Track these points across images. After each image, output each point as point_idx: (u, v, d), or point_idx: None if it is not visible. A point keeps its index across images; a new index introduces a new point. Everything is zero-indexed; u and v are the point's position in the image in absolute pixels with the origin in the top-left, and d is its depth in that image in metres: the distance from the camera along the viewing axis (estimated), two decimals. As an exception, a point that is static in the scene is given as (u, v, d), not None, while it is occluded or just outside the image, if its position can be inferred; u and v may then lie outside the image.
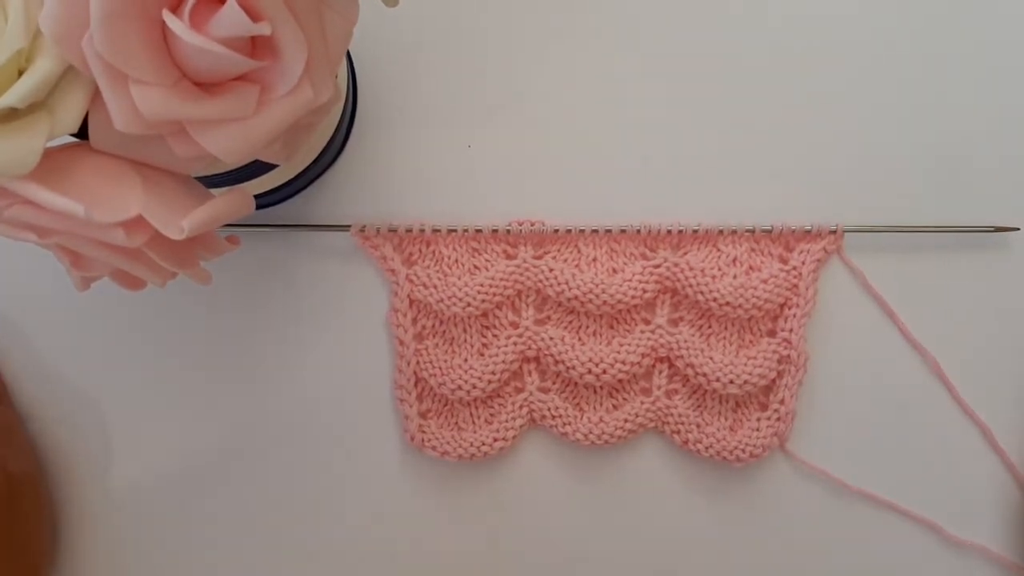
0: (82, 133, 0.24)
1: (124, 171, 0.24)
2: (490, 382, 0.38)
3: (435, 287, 0.38)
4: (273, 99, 0.24)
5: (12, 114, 0.22)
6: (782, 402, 0.38)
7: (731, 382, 0.38)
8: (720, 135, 0.40)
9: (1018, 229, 0.39)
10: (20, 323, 0.39)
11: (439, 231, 0.38)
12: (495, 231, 0.38)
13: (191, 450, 0.40)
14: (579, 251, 0.39)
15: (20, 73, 0.22)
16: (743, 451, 0.38)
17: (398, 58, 0.40)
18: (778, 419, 0.38)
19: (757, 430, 0.38)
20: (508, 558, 0.39)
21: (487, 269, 0.39)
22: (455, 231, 0.38)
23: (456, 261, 0.39)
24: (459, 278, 0.38)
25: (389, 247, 0.39)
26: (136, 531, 0.39)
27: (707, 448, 0.38)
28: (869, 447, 0.39)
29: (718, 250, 0.39)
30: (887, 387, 0.39)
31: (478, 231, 0.38)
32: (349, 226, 0.38)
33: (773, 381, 0.38)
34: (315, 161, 0.36)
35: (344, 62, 0.35)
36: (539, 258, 0.39)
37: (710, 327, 0.39)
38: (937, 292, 0.39)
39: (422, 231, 0.38)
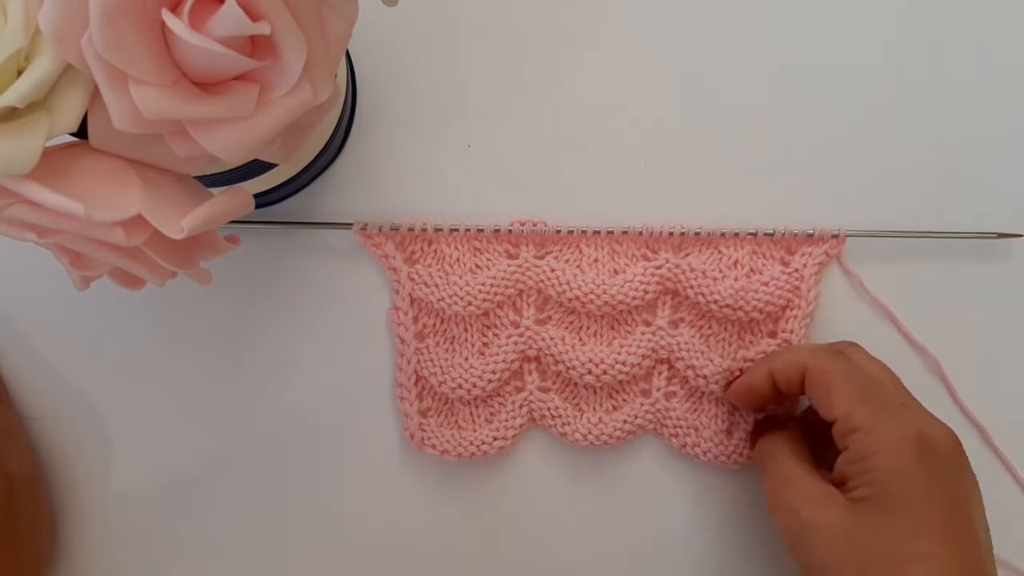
0: (81, 132, 0.24)
1: (123, 170, 0.24)
2: (490, 381, 0.38)
3: (436, 286, 0.38)
4: (273, 98, 0.24)
5: (11, 113, 0.22)
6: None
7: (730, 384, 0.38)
8: (723, 137, 0.40)
9: (1021, 235, 0.39)
10: (20, 323, 0.39)
11: (441, 230, 0.38)
12: (497, 231, 0.38)
13: (191, 449, 0.40)
14: (581, 252, 0.39)
15: (19, 72, 0.22)
16: (740, 455, 0.38)
17: (398, 57, 0.40)
18: (777, 420, 0.38)
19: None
20: (507, 557, 0.39)
21: (488, 268, 0.38)
22: (457, 230, 0.38)
23: (458, 260, 0.39)
24: (460, 277, 0.38)
25: (391, 245, 0.39)
26: (136, 531, 0.39)
27: (705, 452, 0.38)
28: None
29: (719, 252, 0.38)
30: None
31: (480, 231, 0.38)
32: (351, 224, 0.38)
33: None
34: (315, 160, 0.36)
35: (343, 61, 0.35)
36: (541, 258, 0.39)
37: (710, 328, 0.39)
38: (939, 297, 0.39)
39: (424, 230, 0.38)
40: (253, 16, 0.22)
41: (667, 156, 0.40)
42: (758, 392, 0.36)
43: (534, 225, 0.38)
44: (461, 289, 0.38)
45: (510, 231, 0.38)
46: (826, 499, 0.31)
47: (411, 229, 0.38)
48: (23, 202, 0.23)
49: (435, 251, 0.39)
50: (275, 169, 0.33)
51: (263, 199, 0.37)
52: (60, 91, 0.23)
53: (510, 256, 0.39)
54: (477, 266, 0.39)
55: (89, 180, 0.24)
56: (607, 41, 0.40)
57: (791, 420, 0.38)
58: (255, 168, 0.32)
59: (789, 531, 0.32)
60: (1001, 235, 0.39)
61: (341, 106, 0.36)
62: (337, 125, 0.36)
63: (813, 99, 0.40)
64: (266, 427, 0.40)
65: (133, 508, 0.39)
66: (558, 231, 0.38)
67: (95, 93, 0.23)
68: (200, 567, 0.40)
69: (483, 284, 0.38)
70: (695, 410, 0.39)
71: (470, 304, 0.38)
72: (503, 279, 0.38)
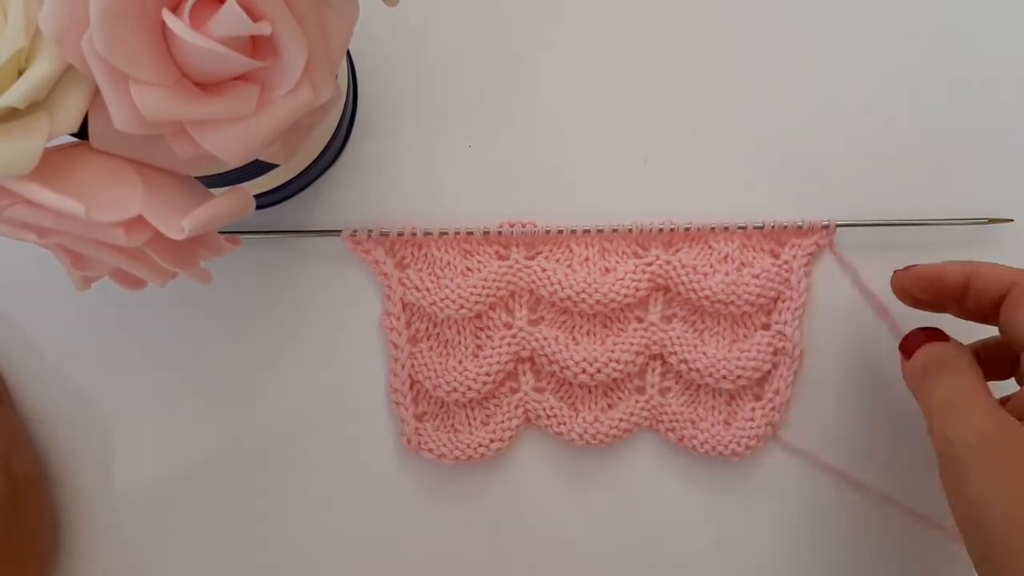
0: (82, 133, 0.24)
1: (124, 171, 0.24)
2: (485, 383, 0.38)
3: (428, 290, 0.38)
4: (273, 99, 0.24)
5: (12, 114, 0.22)
6: (777, 392, 0.38)
7: (724, 377, 0.38)
8: (712, 132, 0.40)
9: (1011, 221, 0.39)
10: (20, 323, 0.39)
11: (430, 234, 0.38)
12: (487, 233, 0.38)
13: (190, 453, 0.39)
14: (571, 251, 0.39)
15: (20, 73, 0.22)
16: (738, 444, 0.38)
17: (399, 57, 0.40)
18: (772, 409, 0.38)
19: (752, 420, 0.38)
20: (507, 558, 0.39)
21: (480, 271, 0.39)
22: (447, 234, 0.38)
23: (448, 263, 0.39)
24: (452, 280, 0.38)
25: (381, 251, 0.39)
26: (137, 532, 0.39)
27: (702, 444, 0.38)
28: (866, 441, 0.39)
29: (709, 247, 0.39)
30: (883, 381, 0.39)
31: (469, 233, 0.38)
32: (339, 231, 0.38)
33: (768, 373, 0.39)
34: (316, 161, 0.36)
35: (345, 62, 0.35)
36: (531, 259, 0.39)
37: (703, 323, 0.39)
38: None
39: (413, 234, 0.38)
40: (254, 16, 0.22)
41: (660, 153, 0.40)
42: (942, 286, 0.32)
43: (523, 226, 0.39)
44: (453, 292, 0.38)
45: (500, 233, 0.38)
46: (1007, 424, 0.28)
47: (400, 234, 0.38)
48: (24, 203, 0.23)
49: (425, 255, 0.39)
50: (276, 170, 0.33)
51: (264, 200, 0.37)
52: (61, 92, 0.23)
53: (501, 257, 0.39)
54: (468, 268, 0.39)
55: (90, 180, 0.23)
56: (600, 42, 0.40)
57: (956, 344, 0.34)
58: (256, 169, 0.32)
59: (959, 450, 0.28)
60: (991, 220, 0.39)
61: (342, 107, 0.36)
62: (338, 126, 0.36)
63: (802, 91, 0.40)
64: (263, 432, 0.39)
65: (134, 509, 0.39)
66: (548, 231, 0.38)
67: (96, 93, 0.23)
68: (199, 568, 0.39)
69: (474, 286, 0.38)
70: (691, 403, 0.39)
71: (462, 307, 0.38)
72: (494, 281, 0.38)
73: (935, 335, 0.33)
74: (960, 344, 0.34)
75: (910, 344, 0.34)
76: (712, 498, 0.39)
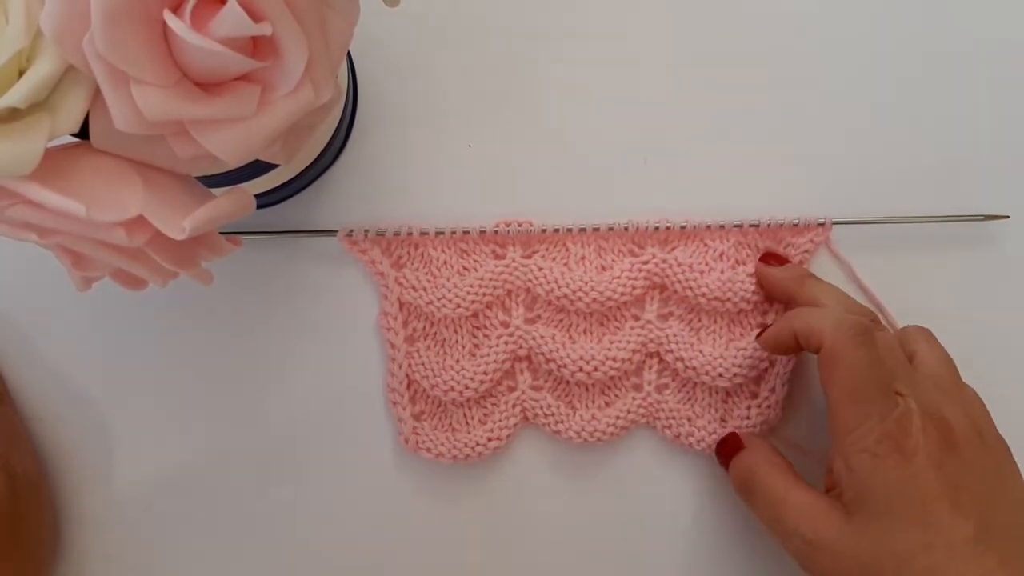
0: (83, 133, 0.24)
1: (125, 171, 0.24)
2: (482, 382, 0.38)
3: (425, 289, 0.38)
4: (274, 99, 0.24)
5: (13, 114, 0.22)
6: (773, 390, 0.39)
7: (720, 375, 0.38)
8: (711, 132, 0.40)
9: (1008, 217, 0.39)
10: (20, 323, 0.39)
11: (427, 234, 0.38)
12: (483, 232, 0.38)
13: (189, 452, 0.39)
14: (567, 250, 0.39)
15: (21, 73, 0.22)
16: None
17: (399, 58, 0.40)
18: (768, 407, 0.39)
19: (747, 419, 0.39)
20: (506, 557, 0.40)
21: (476, 270, 0.39)
22: (443, 233, 0.38)
23: (445, 263, 0.39)
24: (448, 279, 0.39)
25: (378, 251, 0.39)
26: (137, 532, 0.39)
27: (699, 442, 0.39)
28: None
29: (705, 245, 0.39)
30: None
31: (466, 232, 0.38)
32: (336, 231, 0.38)
33: (764, 371, 0.39)
34: (316, 160, 0.36)
35: (345, 62, 0.36)
36: (528, 257, 0.39)
37: (699, 321, 0.39)
38: (928, 283, 0.40)
39: (410, 234, 0.38)
40: (254, 17, 0.22)
41: (660, 153, 0.40)
42: (785, 346, 0.35)
43: (519, 225, 0.39)
44: (449, 291, 0.38)
45: (496, 232, 0.39)
46: (823, 513, 0.32)
47: (396, 234, 0.38)
48: (24, 203, 0.23)
49: (422, 255, 0.39)
50: (277, 170, 0.33)
51: (264, 200, 0.37)
52: (62, 92, 0.23)
53: (497, 257, 0.39)
54: (465, 268, 0.39)
55: (90, 181, 0.23)
56: (597, 41, 0.41)
57: (756, 437, 0.38)
58: (256, 169, 0.32)
59: (795, 552, 0.32)
60: (988, 217, 0.39)
61: (342, 107, 0.36)
62: (338, 126, 0.36)
63: (798, 89, 0.40)
64: (262, 432, 0.39)
65: (134, 509, 0.39)
66: (543, 230, 0.38)
67: (96, 94, 0.23)
68: (199, 568, 0.39)
69: (471, 286, 0.38)
70: (688, 400, 0.39)
71: (459, 306, 0.38)
72: (491, 280, 0.39)
73: (736, 443, 0.37)
74: (760, 447, 0.36)
75: (721, 456, 0.38)
76: (709, 495, 0.40)
